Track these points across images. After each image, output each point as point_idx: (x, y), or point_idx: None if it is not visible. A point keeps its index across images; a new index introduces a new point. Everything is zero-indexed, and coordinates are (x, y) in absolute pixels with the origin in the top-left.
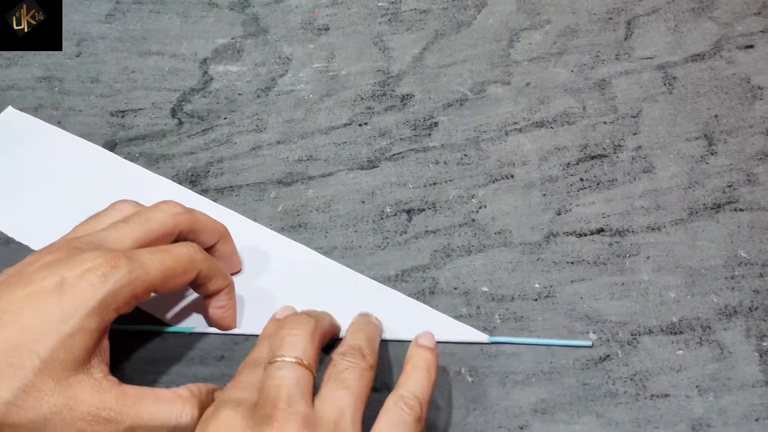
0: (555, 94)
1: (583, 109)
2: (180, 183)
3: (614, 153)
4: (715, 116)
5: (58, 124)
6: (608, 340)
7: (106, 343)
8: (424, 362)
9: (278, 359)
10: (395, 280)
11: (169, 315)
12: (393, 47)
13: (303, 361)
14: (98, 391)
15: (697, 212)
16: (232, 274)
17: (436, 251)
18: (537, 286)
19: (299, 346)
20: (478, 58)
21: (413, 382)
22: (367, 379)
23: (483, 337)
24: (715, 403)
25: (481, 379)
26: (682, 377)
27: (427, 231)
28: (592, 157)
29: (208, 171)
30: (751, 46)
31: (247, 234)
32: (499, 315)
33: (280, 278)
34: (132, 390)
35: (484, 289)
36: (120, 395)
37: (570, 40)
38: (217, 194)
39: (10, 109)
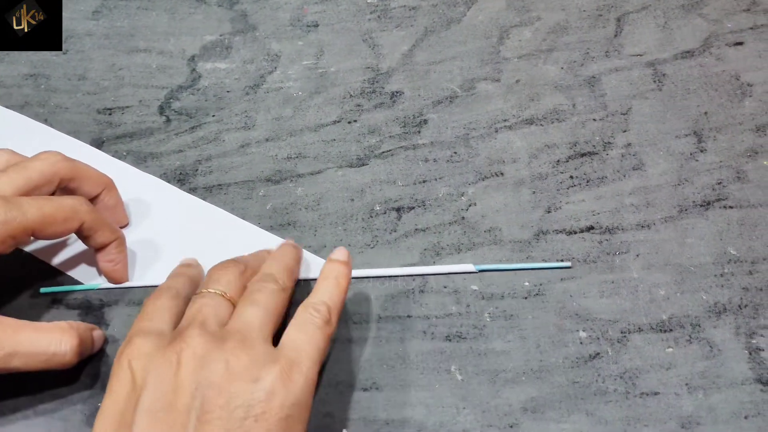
0: (545, 91)
1: (572, 107)
2: (168, 181)
3: (604, 150)
4: (705, 113)
5: (45, 121)
6: (598, 338)
7: None
8: (333, 273)
9: (202, 290)
10: (384, 279)
11: (77, 270)
12: (382, 44)
13: (226, 293)
14: None
15: (686, 209)
16: (120, 227)
17: (425, 249)
18: (527, 284)
19: (224, 281)
20: (468, 55)
21: (323, 291)
22: (280, 299)
23: (470, 267)
24: (704, 401)
25: (470, 378)
26: (672, 375)
27: (416, 229)
28: (582, 155)
29: (197, 169)
30: (740, 43)
31: (137, 186)
32: (489, 313)
33: (172, 230)
34: (11, 321)
35: (474, 287)
36: None
37: (560, 37)
38: (206, 192)
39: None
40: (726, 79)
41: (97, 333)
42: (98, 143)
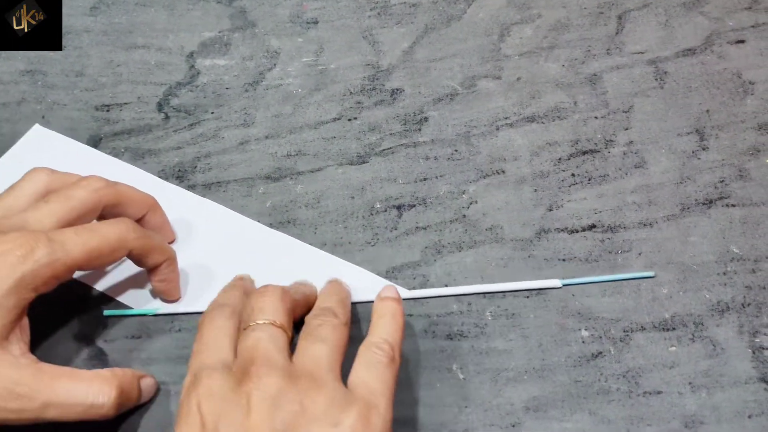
0: (546, 89)
1: (574, 104)
2: (166, 178)
3: (606, 148)
4: (707, 111)
5: (42, 118)
6: (600, 337)
7: (25, 322)
8: (388, 310)
9: (251, 324)
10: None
11: (127, 295)
12: (382, 41)
13: (276, 321)
14: (15, 368)
15: (688, 208)
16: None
17: (426, 247)
18: None
19: (269, 309)
20: (469, 53)
21: (381, 329)
22: (342, 333)
23: (556, 282)
24: (707, 400)
25: (472, 377)
26: (675, 374)
27: (417, 227)
28: (584, 153)
29: (195, 166)
30: (742, 41)
31: (135, 185)
32: (491, 312)
33: (225, 252)
34: (49, 368)
35: None
36: (36, 372)
37: (561, 34)
38: (205, 190)
39: (37, 127)
40: (728, 77)
41: (147, 382)
42: (96, 140)
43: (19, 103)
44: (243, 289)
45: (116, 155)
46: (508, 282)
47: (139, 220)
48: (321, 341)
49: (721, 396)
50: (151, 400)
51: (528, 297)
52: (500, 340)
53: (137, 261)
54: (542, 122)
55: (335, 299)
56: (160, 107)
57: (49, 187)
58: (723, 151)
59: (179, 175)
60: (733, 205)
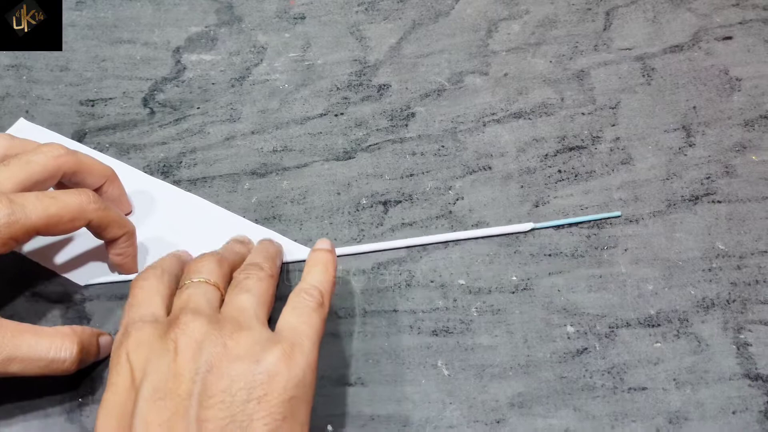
0: (533, 85)
1: (561, 100)
2: (151, 174)
3: (592, 144)
4: (694, 108)
5: (26, 113)
6: (586, 333)
7: None
8: (321, 260)
9: (185, 283)
10: (371, 273)
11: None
12: (370, 36)
13: (210, 280)
14: None
15: (675, 204)
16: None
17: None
18: (514, 278)
19: (204, 270)
20: (456, 48)
21: (312, 277)
22: (267, 285)
23: (526, 226)
24: (692, 396)
25: (457, 373)
26: (660, 370)
27: (403, 223)
28: (570, 149)
29: (181, 162)
30: (729, 38)
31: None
32: (476, 308)
33: (156, 223)
34: (12, 324)
35: (461, 281)
36: None
37: (548, 30)
38: (190, 185)
39: (21, 121)
40: (715, 73)
41: (105, 339)
42: (80, 135)
43: (3, 98)
44: (178, 257)
45: (101, 150)
46: (479, 230)
47: (97, 191)
48: (246, 291)
49: (705, 392)
50: (107, 357)
51: (513, 293)
52: (485, 336)
53: (96, 233)
54: (529, 118)
55: (262, 255)
56: (145, 102)
57: (8, 152)
58: (709, 147)
59: (164, 171)
60: (719, 202)
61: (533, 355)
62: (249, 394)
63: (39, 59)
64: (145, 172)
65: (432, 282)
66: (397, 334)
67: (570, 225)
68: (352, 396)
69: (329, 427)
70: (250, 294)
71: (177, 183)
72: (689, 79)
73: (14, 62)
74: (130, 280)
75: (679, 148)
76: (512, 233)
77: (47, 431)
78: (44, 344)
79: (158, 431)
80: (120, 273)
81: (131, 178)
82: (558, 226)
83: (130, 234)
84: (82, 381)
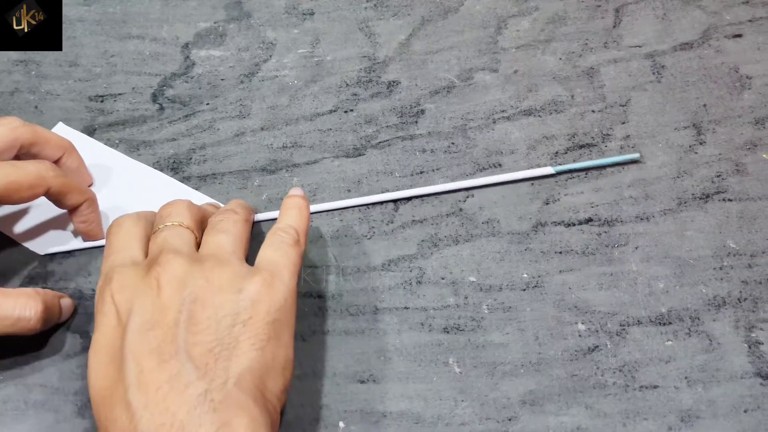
0: (543, 82)
1: (571, 98)
2: (161, 170)
3: (603, 142)
4: (704, 105)
5: (35, 108)
6: (597, 331)
7: None
8: (295, 203)
9: (159, 227)
10: (381, 270)
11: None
12: (379, 33)
13: (183, 223)
14: None
15: (685, 202)
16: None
17: (423, 241)
18: (525, 276)
19: (176, 213)
20: (466, 45)
21: (287, 218)
22: (243, 227)
23: (548, 170)
24: (704, 395)
25: (468, 370)
26: (671, 368)
27: (414, 220)
28: (581, 146)
29: (190, 158)
30: (739, 35)
31: (130, 175)
32: (487, 305)
33: (134, 198)
34: None
35: (472, 279)
36: None
37: (558, 27)
38: (200, 182)
39: (60, 125)
40: (725, 71)
41: (66, 301)
42: (90, 131)
43: (12, 94)
44: (148, 213)
45: (110, 146)
46: (498, 176)
47: (56, 163)
48: (223, 232)
49: (717, 390)
50: (70, 319)
51: (524, 290)
52: (497, 333)
53: (57, 201)
54: (539, 115)
55: (235, 203)
56: (154, 98)
57: None
58: (720, 145)
59: (174, 167)
60: (730, 200)
61: (544, 352)
62: (234, 319)
63: (48, 55)
64: (155, 168)
65: (443, 279)
66: (408, 332)
67: (590, 169)
68: (365, 393)
69: (341, 424)
70: (227, 234)
71: (186, 179)
72: (699, 77)
73: (23, 58)
74: (90, 248)
75: (690, 146)
76: (534, 177)
77: (59, 427)
78: (10, 304)
79: (149, 358)
80: (85, 240)
81: (93, 152)
82: (575, 171)
83: (92, 201)
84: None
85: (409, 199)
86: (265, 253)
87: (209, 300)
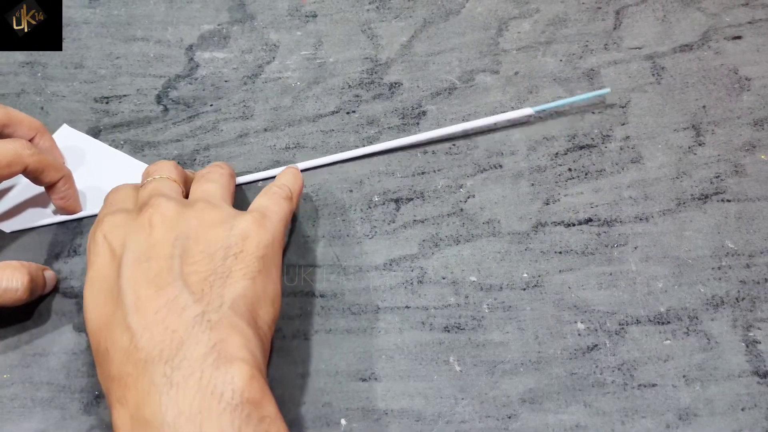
0: (544, 84)
1: None
2: None
3: (602, 143)
4: (703, 107)
5: (41, 110)
6: (596, 330)
7: None
8: (290, 171)
9: (147, 180)
10: (383, 269)
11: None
12: (381, 35)
13: (170, 177)
14: None
15: (684, 203)
16: None
17: (424, 240)
18: (525, 275)
19: (163, 169)
20: (467, 47)
21: (282, 179)
22: (230, 179)
23: (528, 111)
24: (701, 393)
25: (469, 368)
26: (670, 367)
27: (415, 220)
28: (581, 147)
29: (195, 158)
30: (739, 37)
31: (135, 175)
32: (488, 304)
33: (104, 178)
34: None
35: (473, 278)
36: None
37: (559, 29)
38: None
39: (65, 127)
40: (724, 73)
41: (49, 273)
42: (95, 132)
43: (18, 95)
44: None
45: (116, 147)
46: (479, 120)
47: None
48: (211, 181)
49: (714, 389)
50: (53, 291)
51: (524, 289)
52: (497, 332)
53: (34, 178)
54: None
55: (219, 162)
56: (159, 100)
57: None
58: (719, 146)
59: None
60: (729, 201)
61: (544, 351)
62: (226, 252)
63: (54, 57)
64: None
65: (444, 279)
66: (409, 331)
67: (565, 105)
68: (366, 391)
69: (343, 421)
70: (215, 183)
71: None
72: (699, 79)
73: (29, 59)
74: (57, 223)
75: (689, 147)
76: (514, 119)
77: (65, 424)
78: None
79: (147, 286)
80: (66, 214)
81: (97, 153)
82: (554, 106)
83: (68, 177)
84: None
85: (410, 199)
86: (257, 200)
87: (202, 236)
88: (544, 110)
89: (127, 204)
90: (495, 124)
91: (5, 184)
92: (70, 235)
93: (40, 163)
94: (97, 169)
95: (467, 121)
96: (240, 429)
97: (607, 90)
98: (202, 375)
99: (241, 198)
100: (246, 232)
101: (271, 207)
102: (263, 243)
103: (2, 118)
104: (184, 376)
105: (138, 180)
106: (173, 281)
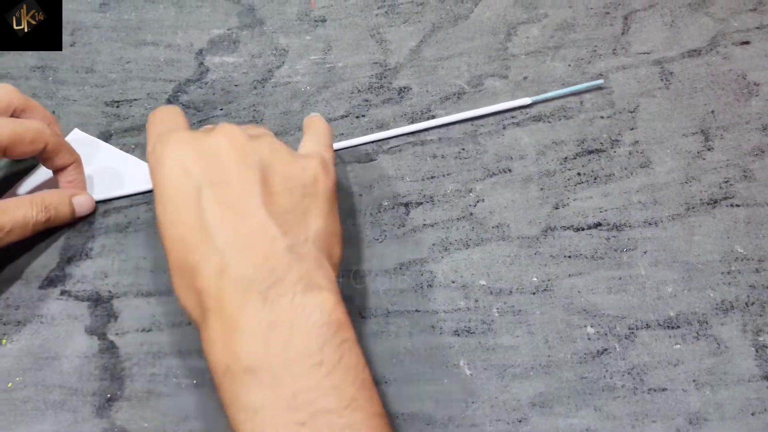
0: (552, 88)
1: (580, 104)
2: None
3: (611, 148)
4: (712, 112)
5: (53, 114)
6: (606, 334)
7: None
8: (319, 121)
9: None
10: (393, 273)
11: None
12: (390, 39)
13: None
14: None
15: (693, 207)
16: None
17: (434, 245)
18: (535, 279)
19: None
20: (476, 52)
21: (317, 128)
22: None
23: (526, 100)
24: (711, 398)
25: (479, 372)
26: (680, 371)
27: (425, 224)
28: (590, 152)
29: None
30: (747, 42)
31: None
32: (497, 308)
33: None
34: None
35: (482, 282)
36: None
37: (567, 34)
38: None
39: (76, 131)
40: (733, 78)
41: (80, 199)
42: (106, 136)
43: None
44: None
45: (126, 151)
46: (479, 109)
47: None
48: (266, 134)
49: (724, 393)
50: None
51: (534, 294)
52: (507, 336)
53: (48, 158)
54: (548, 121)
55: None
56: (169, 103)
57: None
58: (728, 151)
59: None
60: (738, 205)
61: (554, 355)
62: (303, 190)
63: (65, 61)
64: None
65: (453, 282)
66: (419, 334)
67: (563, 97)
68: None
69: None
70: (270, 134)
71: None
72: (707, 84)
73: (40, 63)
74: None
75: (698, 152)
76: (513, 108)
77: (77, 427)
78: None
79: (231, 211)
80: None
81: (108, 157)
82: (552, 98)
83: (79, 162)
84: (110, 378)
85: (420, 203)
86: (307, 146)
87: (278, 168)
88: (540, 100)
89: (184, 124)
90: (501, 123)
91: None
92: (82, 239)
93: (58, 145)
94: (109, 172)
95: (477, 126)
96: (323, 345)
97: (600, 81)
98: (294, 297)
99: None
100: (316, 174)
101: (325, 154)
102: (329, 187)
103: (22, 103)
104: (278, 295)
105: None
106: (257, 210)
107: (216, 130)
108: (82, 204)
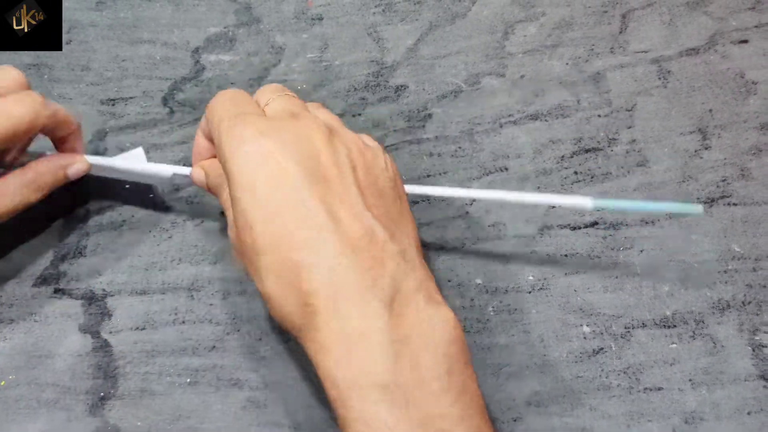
0: (550, 87)
1: (577, 102)
2: None
3: (608, 146)
4: (710, 111)
5: None
6: (602, 333)
7: None
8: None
9: (271, 97)
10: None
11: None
12: (387, 38)
13: (289, 94)
14: None
15: None
16: None
17: (430, 243)
18: (531, 278)
19: (278, 88)
20: (473, 50)
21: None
22: None
23: (587, 201)
24: (707, 397)
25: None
26: (676, 371)
27: (420, 223)
28: (587, 151)
29: None
30: (745, 41)
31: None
32: (493, 307)
33: None
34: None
35: (478, 281)
36: None
37: (565, 32)
38: None
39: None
40: (731, 76)
41: (74, 168)
42: (102, 134)
43: None
44: None
45: (122, 150)
46: (537, 194)
47: None
48: (319, 107)
49: (720, 393)
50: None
51: (530, 292)
52: (502, 335)
53: (51, 129)
54: (546, 120)
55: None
56: (165, 102)
57: None
58: (725, 150)
59: None
60: (735, 204)
61: (549, 354)
62: (393, 192)
63: (60, 59)
64: None
65: (449, 281)
66: None
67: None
68: None
69: None
70: (337, 120)
71: None
72: (705, 82)
73: (35, 61)
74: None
75: (695, 151)
76: (570, 205)
77: (70, 425)
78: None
79: (337, 208)
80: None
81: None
82: (621, 208)
83: (78, 130)
84: (103, 377)
85: (416, 202)
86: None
87: (365, 169)
88: (603, 208)
89: (256, 109)
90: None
91: None
92: (76, 237)
93: (58, 115)
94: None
95: (474, 124)
96: (452, 366)
97: (700, 209)
98: (417, 307)
99: None
100: (395, 174)
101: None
102: (398, 182)
103: (23, 82)
104: (402, 305)
105: (146, 181)
106: (362, 211)
107: (298, 117)
108: (77, 172)
